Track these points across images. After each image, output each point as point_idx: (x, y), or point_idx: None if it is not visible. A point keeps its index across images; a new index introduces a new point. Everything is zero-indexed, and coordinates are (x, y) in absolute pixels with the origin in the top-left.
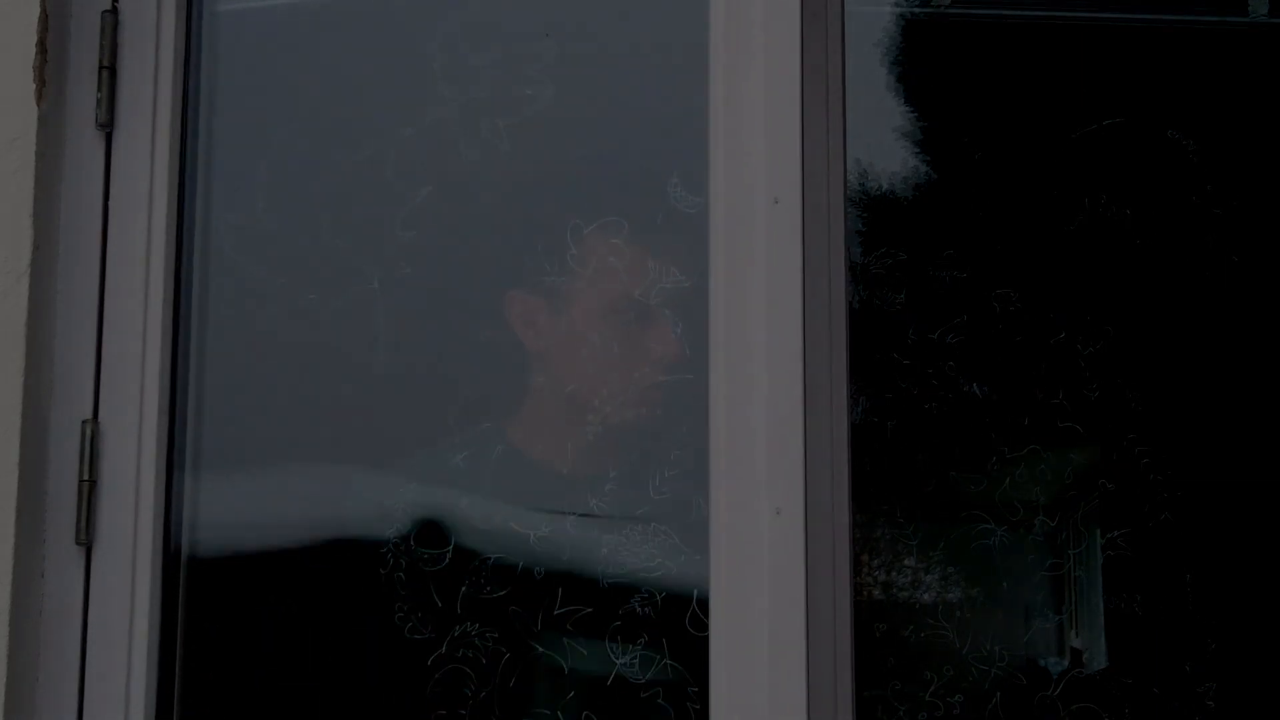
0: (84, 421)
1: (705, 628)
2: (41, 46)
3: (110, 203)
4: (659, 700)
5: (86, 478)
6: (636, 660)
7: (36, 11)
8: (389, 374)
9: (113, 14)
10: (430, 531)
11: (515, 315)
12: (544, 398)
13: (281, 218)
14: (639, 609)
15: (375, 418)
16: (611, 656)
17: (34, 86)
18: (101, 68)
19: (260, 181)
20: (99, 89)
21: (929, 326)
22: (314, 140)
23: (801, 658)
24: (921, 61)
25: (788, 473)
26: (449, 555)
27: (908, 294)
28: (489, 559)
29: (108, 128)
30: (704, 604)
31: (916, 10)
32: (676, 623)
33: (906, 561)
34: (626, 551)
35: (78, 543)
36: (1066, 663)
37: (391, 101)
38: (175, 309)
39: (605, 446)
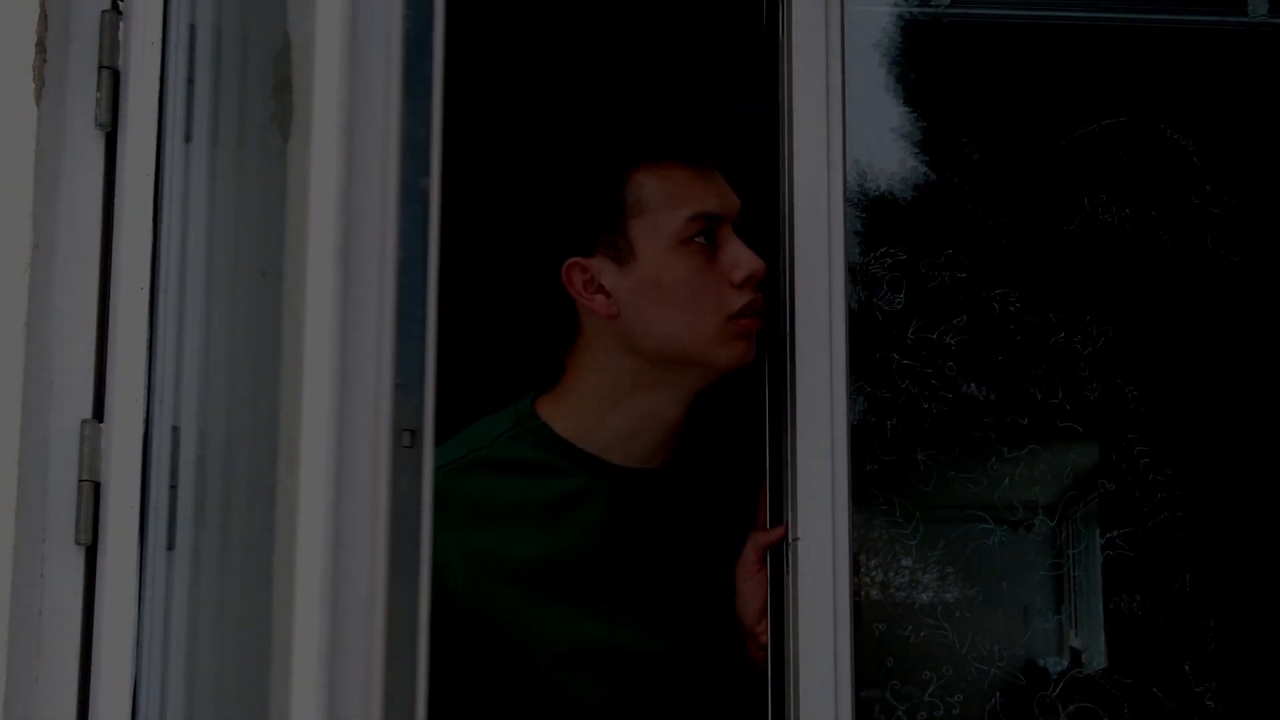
0: (84, 421)
1: None
2: (41, 46)
3: (110, 202)
4: None
5: (86, 478)
6: None
7: (36, 12)
8: None
9: (113, 13)
10: None
11: (578, 284)
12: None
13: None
14: None
15: None
16: None
17: (33, 86)
18: (101, 68)
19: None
20: (99, 89)
21: (929, 326)
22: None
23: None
24: (921, 61)
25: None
26: None
27: (908, 294)
28: None
29: (108, 128)
30: None
31: (916, 10)
32: None
33: (905, 561)
34: None
35: (78, 543)
36: (1066, 663)
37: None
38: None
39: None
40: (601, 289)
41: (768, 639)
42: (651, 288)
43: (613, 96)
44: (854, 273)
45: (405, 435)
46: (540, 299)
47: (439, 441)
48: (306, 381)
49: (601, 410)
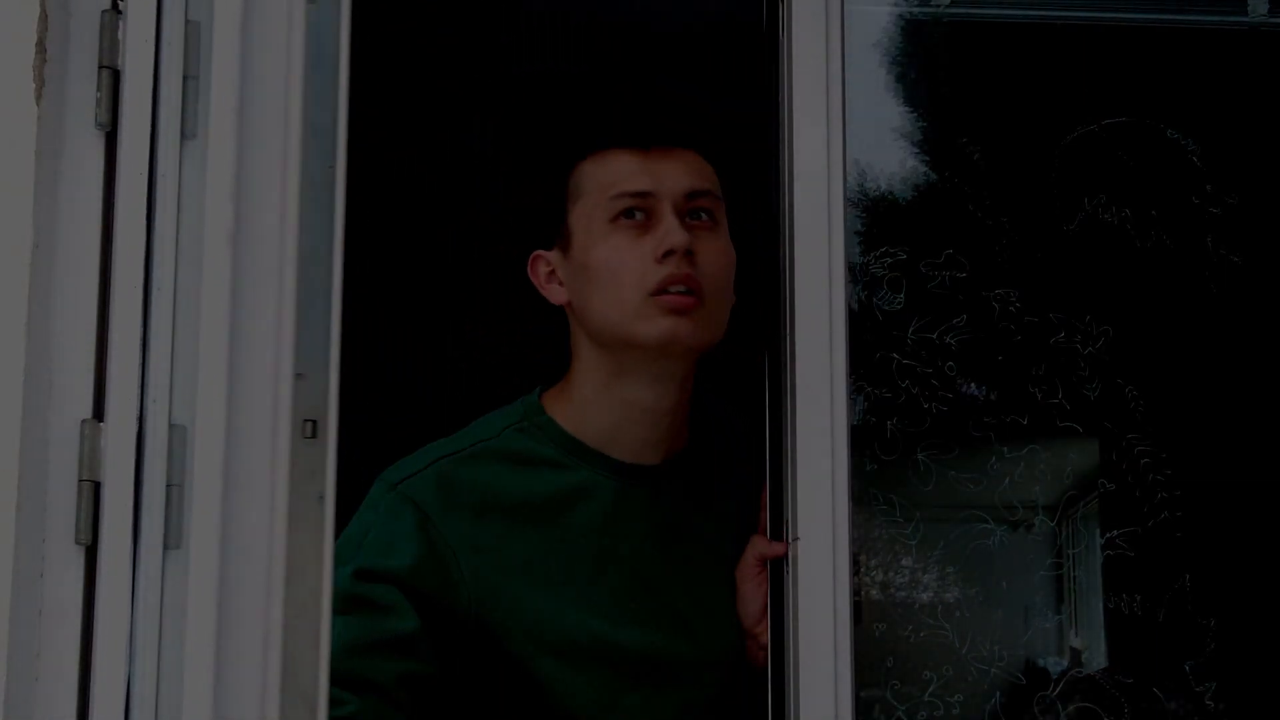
0: (83, 421)
1: None
2: (41, 46)
3: (110, 203)
4: None
5: (86, 478)
6: None
7: (36, 11)
8: None
9: (113, 13)
10: None
11: (541, 275)
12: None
13: None
14: None
15: None
16: None
17: (33, 86)
18: (101, 68)
19: None
20: (99, 89)
21: (929, 326)
22: None
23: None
24: (921, 61)
25: None
26: None
27: (908, 294)
28: None
29: (108, 128)
30: None
31: (916, 10)
32: None
33: (905, 561)
34: None
35: (77, 543)
36: (1066, 663)
37: None
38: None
39: None
40: (560, 279)
41: (768, 639)
42: (583, 270)
43: (572, 93)
44: (854, 273)
45: (307, 426)
46: (533, 294)
47: (449, 431)
48: (200, 370)
49: (591, 401)
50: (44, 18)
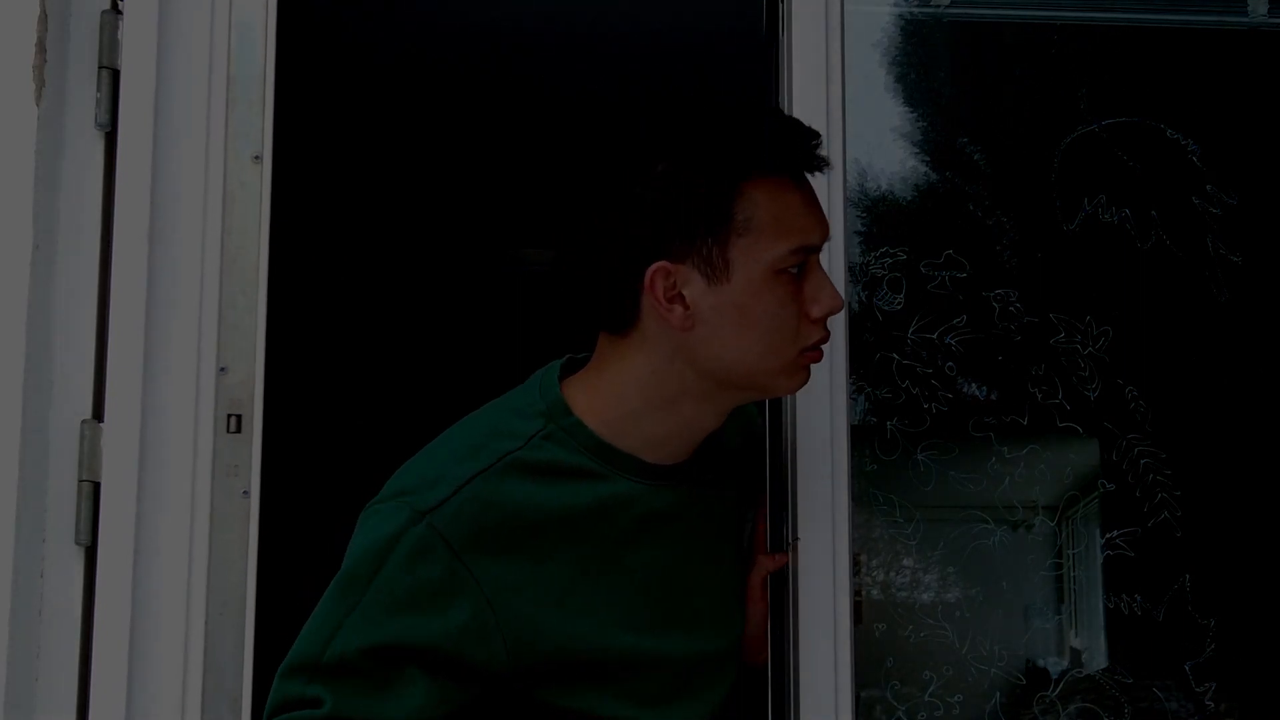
0: (83, 421)
1: None
2: (41, 46)
3: (110, 203)
4: None
5: (86, 478)
6: None
7: (36, 11)
8: None
9: (113, 13)
10: None
11: (659, 290)
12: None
13: None
14: None
15: None
16: None
17: (33, 87)
18: (101, 68)
19: None
20: (99, 89)
21: (929, 326)
22: None
23: None
24: (921, 61)
25: None
26: None
27: (908, 294)
28: None
29: (107, 128)
30: None
31: (916, 10)
32: None
33: (905, 561)
34: None
35: (77, 543)
36: (1066, 663)
37: None
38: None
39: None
40: (681, 298)
41: (768, 640)
42: (738, 313)
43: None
44: (854, 273)
45: (231, 420)
46: (609, 291)
47: (451, 421)
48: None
49: (643, 411)
50: (44, 18)
